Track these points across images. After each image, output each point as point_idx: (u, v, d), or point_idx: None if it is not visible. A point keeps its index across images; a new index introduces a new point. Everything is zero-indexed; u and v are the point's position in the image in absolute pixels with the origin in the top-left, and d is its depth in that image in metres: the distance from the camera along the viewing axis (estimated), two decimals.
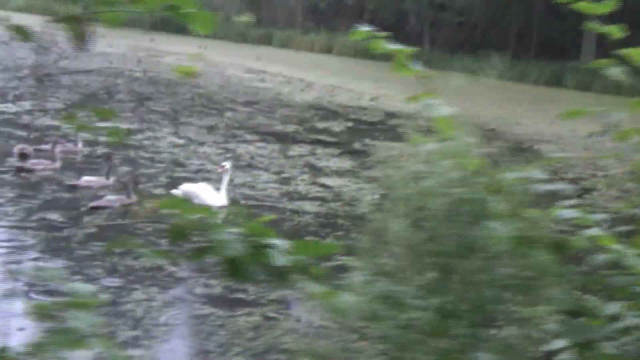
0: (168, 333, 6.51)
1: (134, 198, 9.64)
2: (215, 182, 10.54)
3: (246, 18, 45.18)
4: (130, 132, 14.70)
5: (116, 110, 2.51)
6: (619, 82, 2.51)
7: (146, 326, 6.53)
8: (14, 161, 11.42)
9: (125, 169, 11.56)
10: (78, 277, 7.34)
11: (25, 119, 15.29)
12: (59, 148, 11.42)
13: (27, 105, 16.95)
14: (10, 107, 16.44)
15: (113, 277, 7.49)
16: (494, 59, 35.71)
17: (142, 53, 32.61)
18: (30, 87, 20.10)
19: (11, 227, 8.74)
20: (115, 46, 35.36)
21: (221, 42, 37.72)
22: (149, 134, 14.76)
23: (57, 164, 10.98)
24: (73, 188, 10.21)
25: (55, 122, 15.12)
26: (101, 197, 9.71)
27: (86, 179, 10.30)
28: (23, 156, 11.36)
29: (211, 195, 9.87)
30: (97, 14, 2.24)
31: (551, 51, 37.09)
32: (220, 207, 9.96)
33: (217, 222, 2.27)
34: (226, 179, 10.06)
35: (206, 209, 2.30)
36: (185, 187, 10.02)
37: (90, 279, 7.21)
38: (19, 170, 10.84)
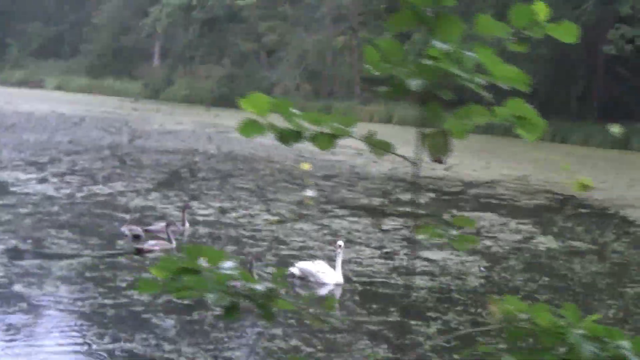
0: None
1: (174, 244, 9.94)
2: (321, 258, 10.69)
3: None
4: (223, 210, 15.01)
5: (475, 221, 2.65)
6: None
7: None
8: (123, 244, 11.73)
9: (231, 248, 11.80)
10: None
11: (120, 200, 15.68)
12: (172, 228, 11.72)
13: (117, 186, 17.40)
14: (103, 189, 16.89)
15: (254, 357, 7.64)
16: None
17: (210, 129, 33.35)
18: (114, 167, 20.68)
19: (142, 311, 8.92)
20: (182, 123, 36.27)
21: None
22: (242, 211, 15.02)
23: (173, 244, 11.27)
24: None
25: (150, 203, 15.51)
26: None
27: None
28: (136, 238, 11.69)
29: (328, 274, 10.01)
30: (451, 127, 2.36)
31: (614, 113, 36.91)
32: (337, 285, 10.08)
33: (560, 324, 2.35)
34: (340, 256, 10.20)
35: (542, 309, 2.39)
36: (302, 266, 10.18)
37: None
38: (139, 252, 11.09)
